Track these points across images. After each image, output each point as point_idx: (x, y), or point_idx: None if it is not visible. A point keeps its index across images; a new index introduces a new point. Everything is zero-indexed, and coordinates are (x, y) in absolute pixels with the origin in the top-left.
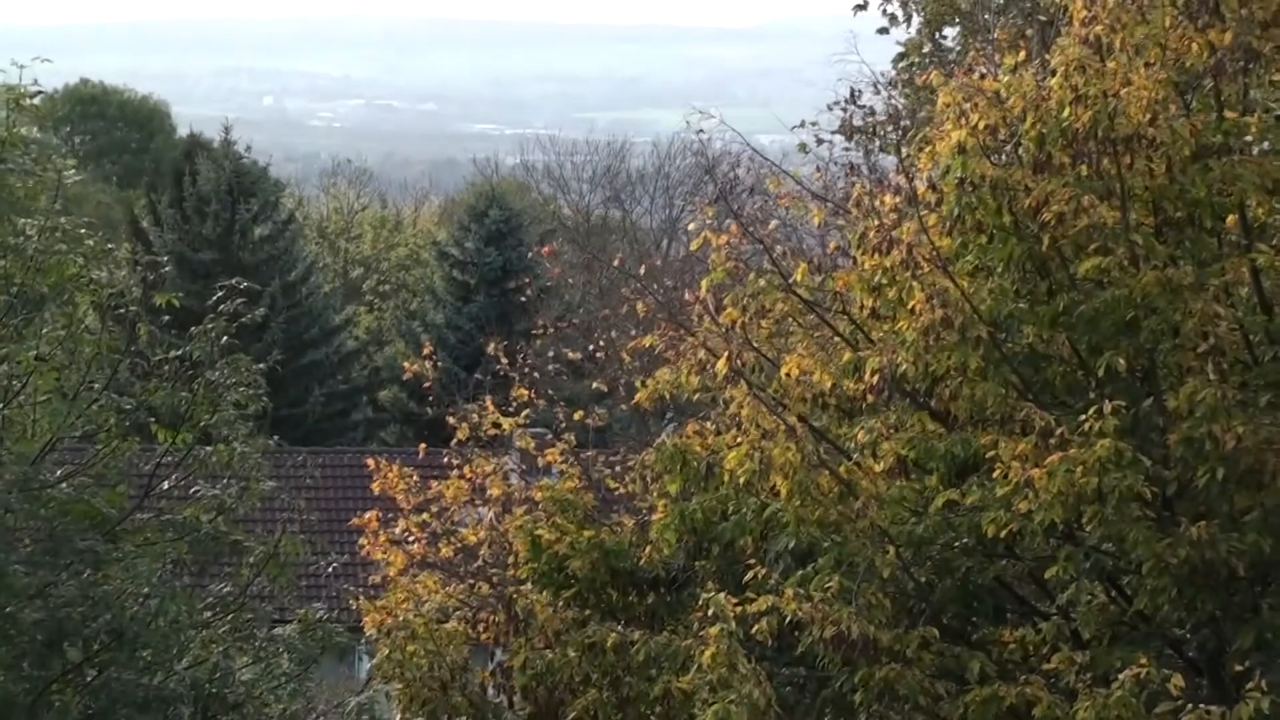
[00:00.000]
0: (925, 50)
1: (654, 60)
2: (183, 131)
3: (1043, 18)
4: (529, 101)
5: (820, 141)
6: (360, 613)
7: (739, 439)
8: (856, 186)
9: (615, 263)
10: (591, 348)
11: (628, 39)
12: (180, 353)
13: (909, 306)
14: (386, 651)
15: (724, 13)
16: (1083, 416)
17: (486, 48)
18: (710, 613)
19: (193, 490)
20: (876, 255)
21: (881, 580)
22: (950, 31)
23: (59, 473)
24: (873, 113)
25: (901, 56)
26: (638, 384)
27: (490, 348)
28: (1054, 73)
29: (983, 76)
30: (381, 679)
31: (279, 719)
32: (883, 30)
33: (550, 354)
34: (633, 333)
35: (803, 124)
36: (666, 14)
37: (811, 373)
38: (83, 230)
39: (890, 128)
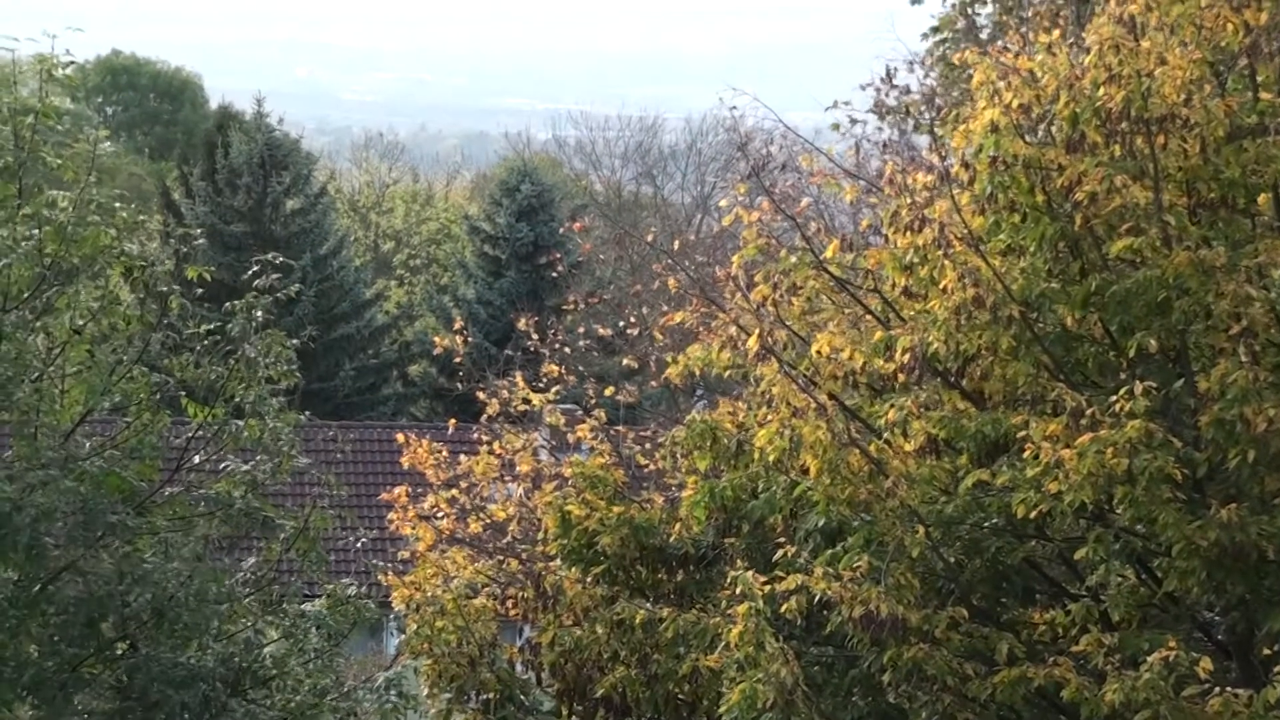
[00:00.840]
0: (959, 26)
1: (687, 36)
2: (214, 103)
3: None
4: (561, 76)
5: (854, 122)
6: (389, 588)
7: (769, 416)
8: (889, 164)
9: (648, 239)
10: (622, 324)
11: (660, 14)
12: (216, 327)
13: (941, 285)
14: (415, 627)
15: None
16: (1114, 397)
17: (519, 21)
18: (739, 591)
19: (223, 465)
20: (909, 233)
21: (911, 560)
22: (984, 10)
23: (87, 445)
24: (907, 91)
25: (935, 30)
26: (669, 360)
27: (521, 323)
28: (1088, 51)
29: (1017, 55)
30: (410, 654)
31: (308, 694)
32: (916, 1)
33: (581, 330)
34: (664, 309)
35: (835, 104)
36: None
37: (842, 351)
38: (115, 202)
39: (924, 107)
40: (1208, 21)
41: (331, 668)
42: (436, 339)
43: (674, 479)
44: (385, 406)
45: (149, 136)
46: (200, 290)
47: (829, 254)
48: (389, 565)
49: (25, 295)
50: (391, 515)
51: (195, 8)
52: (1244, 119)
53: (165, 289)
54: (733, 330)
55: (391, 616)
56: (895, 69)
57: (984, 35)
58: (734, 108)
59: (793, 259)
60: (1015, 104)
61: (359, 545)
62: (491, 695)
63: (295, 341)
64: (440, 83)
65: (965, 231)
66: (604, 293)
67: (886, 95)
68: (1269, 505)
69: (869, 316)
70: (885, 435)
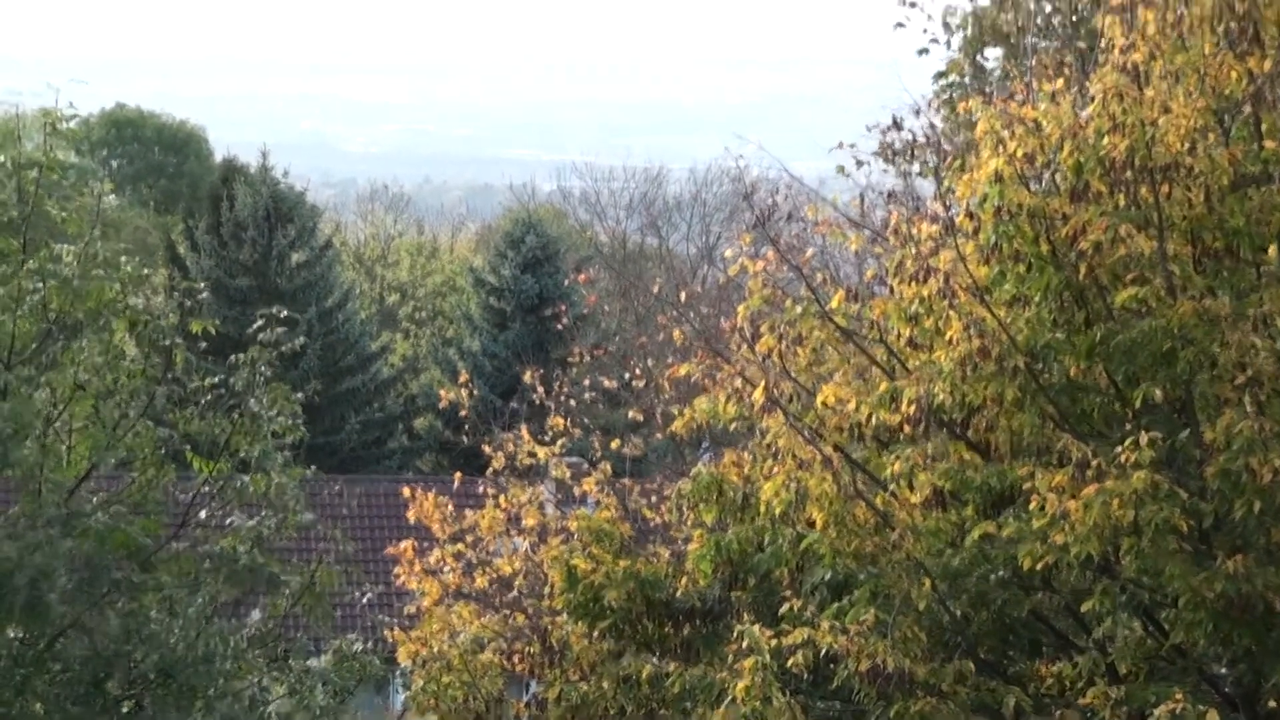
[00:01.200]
0: (965, 70)
1: (692, 86)
2: (219, 156)
3: (1082, 44)
4: (566, 127)
5: (859, 164)
6: (395, 643)
7: (775, 469)
8: (894, 214)
9: (653, 291)
10: (628, 376)
11: (665, 64)
12: (220, 381)
13: (946, 336)
14: (422, 683)
15: (761, 40)
16: (1119, 448)
17: (524, 73)
18: (745, 645)
19: (229, 521)
20: (914, 284)
21: (917, 613)
22: (991, 53)
23: (94, 500)
24: (912, 136)
25: (941, 74)
26: (674, 413)
27: (526, 376)
28: (1092, 100)
29: (1021, 103)
30: (417, 710)
31: None
32: (923, 51)
33: (586, 382)
34: (670, 361)
35: (840, 145)
36: (704, 41)
37: (848, 402)
38: (120, 256)
39: (929, 152)
40: (1211, 70)
41: None
42: (442, 392)
43: (680, 532)
44: (391, 460)
45: (154, 189)
46: (205, 344)
47: (834, 304)
48: (395, 620)
49: (30, 350)
50: (397, 570)
51: (200, 60)
52: (1248, 167)
53: (170, 343)
54: (738, 382)
55: (398, 672)
56: (901, 119)
57: (991, 81)
58: (739, 157)
59: (798, 309)
60: (1019, 153)
61: (365, 600)
62: None
63: (300, 395)
64: (445, 134)
65: (970, 282)
66: (609, 345)
67: (892, 141)
68: (1275, 557)
69: (874, 367)
70: (891, 487)
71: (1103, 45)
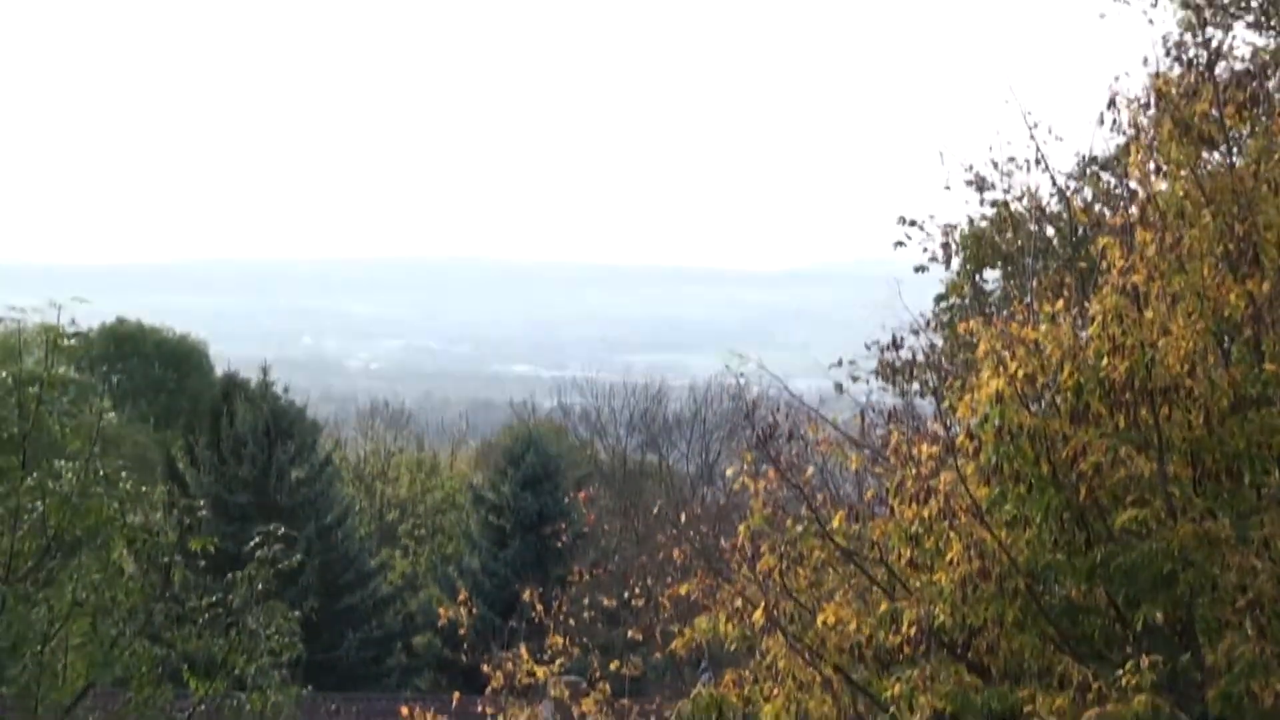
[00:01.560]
0: (966, 291)
1: (691, 303)
2: (220, 371)
3: (1083, 264)
4: (567, 343)
5: (856, 380)
6: None
7: (775, 690)
8: (894, 434)
9: (653, 510)
10: (627, 594)
11: (664, 281)
12: (217, 599)
13: (946, 557)
14: None
15: (760, 256)
16: (1120, 671)
17: (524, 289)
18: None
19: None
20: (914, 505)
21: None
22: (991, 274)
23: (91, 719)
24: (912, 354)
25: (942, 297)
26: (674, 632)
27: (526, 594)
28: (1092, 322)
29: (1022, 324)
30: None
31: None
32: (921, 269)
33: (586, 600)
34: (669, 580)
35: (840, 363)
36: (703, 257)
37: (849, 622)
38: (120, 473)
39: (929, 372)
40: (1211, 291)
41: None
42: (441, 610)
43: None
44: (389, 678)
45: (154, 404)
46: (204, 561)
47: (835, 524)
48: None
49: (28, 567)
50: None
51: (201, 275)
52: (1249, 390)
53: (168, 560)
54: (739, 602)
55: None
56: (902, 338)
57: (992, 300)
58: (740, 375)
59: (799, 529)
60: (1020, 374)
61: None
62: None
63: (298, 613)
64: (446, 350)
65: (970, 503)
66: (609, 563)
67: (893, 359)
68: None
69: (875, 588)
70: (891, 710)
71: (1102, 267)
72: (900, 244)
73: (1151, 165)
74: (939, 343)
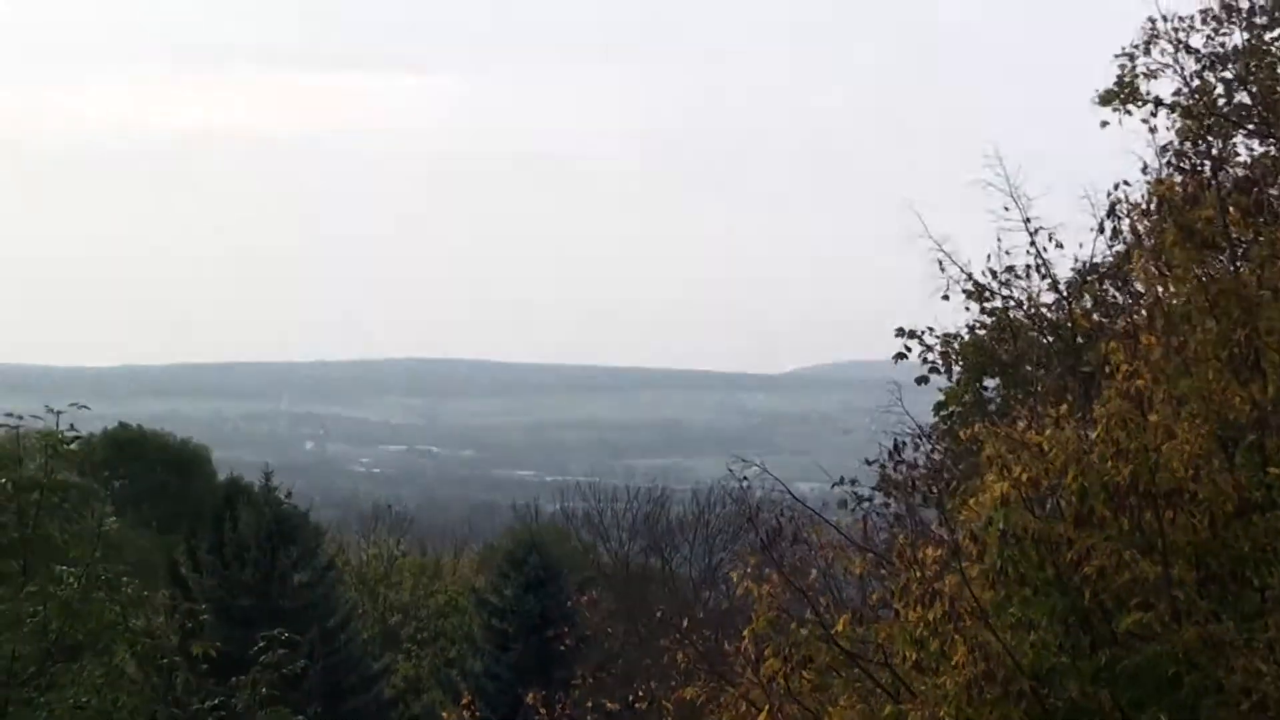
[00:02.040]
0: (966, 399)
1: (693, 407)
2: (222, 476)
3: (1087, 368)
4: (569, 447)
5: (860, 499)
6: None
7: None
8: (899, 538)
9: (657, 613)
10: (631, 698)
11: (665, 385)
12: (220, 703)
13: (952, 660)
14: None
15: (761, 360)
16: None
17: (525, 393)
18: None
19: None
20: (919, 608)
21: None
22: (991, 381)
23: None
24: (914, 466)
25: (942, 405)
26: None
27: (529, 698)
28: (1096, 425)
29: (1025, 429)
30: None
31: None
32: (922, 380)
33: (589, 704)
34: (673, 684)
35: (842, 481)
36: (703, 360)
37: None
38: (122, 577)
39: (931, 484)
40: (1215, 396)
41: None
42: (445, 714)
43: None
44: None
45: (156, 509)
46: (206, 665)
47: (840, 627)
48: None
49: (30, 672)
50: None
51: (203, 381)
52: (1253, 493)
53: (171, 664)
54: (743, 706)
55: None
56: (904, 443)
57: (992, 408)
58: (743, 479)
59: (803, 632)
60: (1024, 478)
61: None
62: None
63: (301, 717)
64: (449, 454)
65: (975, 606)
66: (613, 667)
67: (894, 470)
68: None
69: (880, 691)
70: None
71: (1105, 371)
72: (901, 355)
73: (1155, 269)
74: (940, 454)
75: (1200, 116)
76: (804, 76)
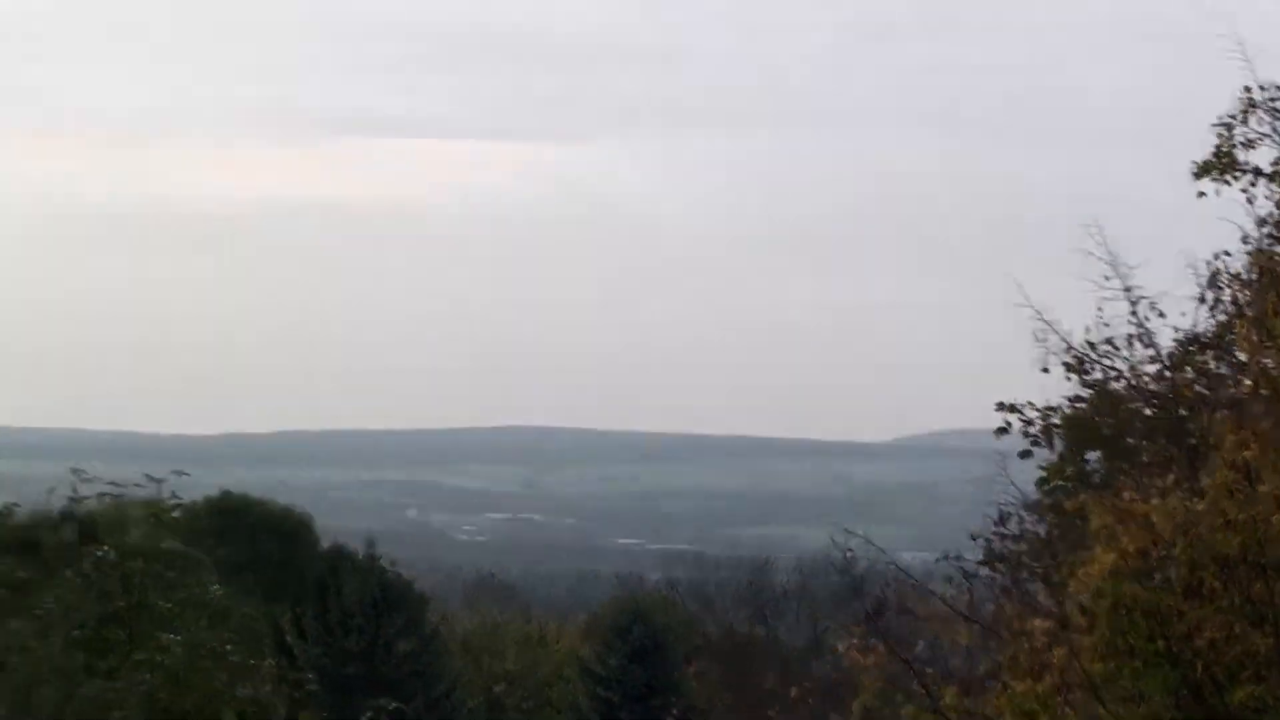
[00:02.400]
0: (1068, 473)
1: (796, 476)
2: (326, 543)
3: (1192, 440)
4: (672, 516)
5: (966, 575)
6: None
7: None
8: (1006, 609)
9: (765, 684)
10: None
11: (768, 454)
12: None
13: None
14: None
15: (862, 428)
16: None
17: (628, 461)
18: None
19: None
20: (1028, 679)
21: None
22: (1093, 454)
23: None
24: (1019, 538)
25: (1044, 480)
26: None
27: None
28: (1203, 496)
29: (1131, 500)
30: None
31: None
32: (1025, 454)
33: None
34: None
35: (947, 556)
36: (807, 429)
37: None
38: (227, 645)
39: (1037, 556)
40: None
41: None
42: None
43: None
44: None
45: (260, 577)
46: None
47: (947, 699)
48: None
49: None
50: None
51: (305, 449)
52: None
53: None
54: None
55: None
56: (1009, 515)
57: (1095, 482)
58: (847, 549)
59: (911, 705)
60: (1133, 549)
61: None
62: None
63: None
64: (552, 523)
65: (1085, 678)
66: None
67: (999, 542)
68: None
69: None
70: None
71: (1211, 442)
72: (1003, 430)
73: (1258, 339)
74: (1043, 530)
75: None
76: (902, 147)
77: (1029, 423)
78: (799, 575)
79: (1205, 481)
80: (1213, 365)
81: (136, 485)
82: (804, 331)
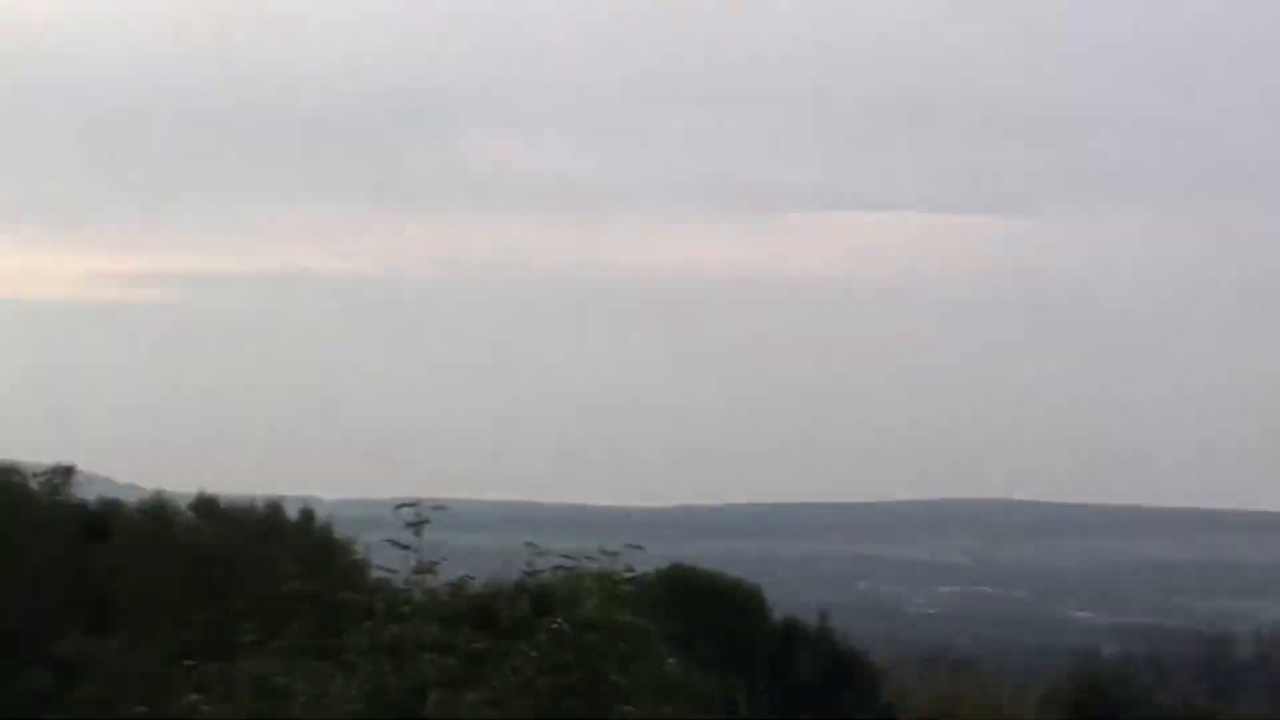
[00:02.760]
0: None
1: (1254, 547)
2: (776, 616)
3: None
4: (1125, 588)
5: None
6: None
7: None
8: None
9: None
10: None
11: (1225, 526)
12: None
13: None
14: None
15: None
16: None
17: (1080, 533)
18: None
19: None
20: None
21: None
22: None
23: None
24: None
25: None
26: None
27: None
28: None
29: None
30: None
31: None
32: None
33: None
34: None
35: None
36: (1263, 501)
37: None
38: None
39: None
40: None
41: None
42: None
43: None
44: None
45: (711, 648)
46: None
47: None
48: None
49: None
50: None
51: (754, 522)
52: None
53: None
54: None
55: None
56: None
57: None
58: None
59: None
60: None
61: None
62: None
63: None
64: (1003, 595)
65: None
66: None
67: None
68: None
69: None
70: None
71: None
72: None
73: None
74: None
75: None
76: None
77: None
78: (1258, 649)
79: None
80: None
81: (589, 558)
82: (1254, 395)
